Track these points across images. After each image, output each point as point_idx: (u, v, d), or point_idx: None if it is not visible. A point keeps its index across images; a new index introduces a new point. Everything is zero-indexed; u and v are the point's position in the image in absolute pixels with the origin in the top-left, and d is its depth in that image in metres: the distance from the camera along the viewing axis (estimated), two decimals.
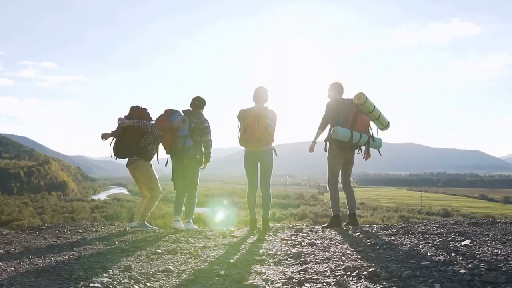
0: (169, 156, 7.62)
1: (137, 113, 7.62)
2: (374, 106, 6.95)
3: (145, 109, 7.70)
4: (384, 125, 7.22)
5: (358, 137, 6.84)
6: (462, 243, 4.56)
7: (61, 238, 6.67)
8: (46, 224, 8.45)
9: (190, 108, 7.61)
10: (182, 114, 7.44)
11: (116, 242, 5.98)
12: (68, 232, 7.32)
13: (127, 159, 7.68)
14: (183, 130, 7.25)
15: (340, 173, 7.32)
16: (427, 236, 5.28)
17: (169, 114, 7.37)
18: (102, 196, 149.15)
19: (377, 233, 5.84)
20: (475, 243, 4.58)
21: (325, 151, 7.24)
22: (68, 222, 8.69)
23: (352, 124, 6.84)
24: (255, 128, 6.84)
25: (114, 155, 7.67)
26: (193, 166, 7.48)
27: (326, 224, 7.25)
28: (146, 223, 7.72)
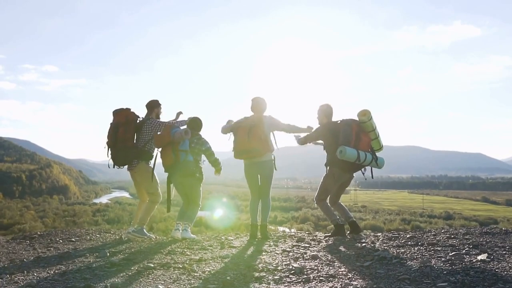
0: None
1: (123, 115, 7.34)
2: (376, 127, 6.68)
3: (129, 109, 7.42)
4: (379, 146, 6.89)
5: (364, 156, 6.47)
6: (479, 258, 4.21)
7: (51, 249, 6.37)
8: (38, 232, 8.15)
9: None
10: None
11: (108, 254, 5.64)
12: (60, 241, 7.03)
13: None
14: (184, 145, 7.00)
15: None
16: (439, 248, 4.92)
17: (170, 128, 7.14)
18: (103, 199, 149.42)
19: (384, 244, 5.49)
20: (492, 257, 4.23)
21: (327, 170, 6.91)
22: (61, 230, 8.37)
23: (355, 143, 6.47)
24: (244, 139, 6.65)
25: (115, 165, 7.39)
26: (195, 184, 7.24)
27: (329, 234, 6.91)
28: (144, 229, 7.39)
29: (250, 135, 6.59)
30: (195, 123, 7.42)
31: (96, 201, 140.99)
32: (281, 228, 68.12)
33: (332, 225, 6.85)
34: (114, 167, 7.46)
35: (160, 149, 7.26)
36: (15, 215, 79.93)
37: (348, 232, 6.82)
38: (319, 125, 7.00)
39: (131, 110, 7.42)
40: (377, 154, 6.90)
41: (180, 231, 7.12)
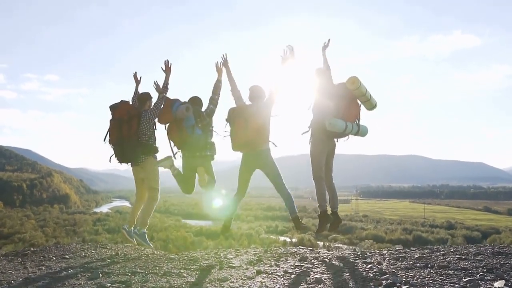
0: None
1: (125, 110, 7.09)
2: (366, 89, 6.55)
3: (128, 102, 7.30)
4: (373, 105, 6.82)
5: (350, 127, 6.55)
6: (495, 285, 3.91)
7: (43, 267, 6.08)
8: (32, 248, 7.87)
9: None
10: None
11: (100, 275, 5.35)
12: (54, 258, 6.74)
13: None
14: (189, 120, 6.85)
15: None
16: (450, 272, 4.61)
17: (170, 104, 6.94)
18: (104, 208, 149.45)
19: (391, 266, 5.20)
20: (510, 284, 3.93)
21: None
22: (56, 246, 8.10)
23: (345, 115, 6.53)
24: (242, 132, 6.43)
25: (121, 162, 7.19)
26: (205, 163, 7.15)
27: (317, 228, 6.89)
28: (146, 235, 7.19)
29: (248, 127, 6.38)
30: (195, 101, 7.23)
31: (97, 210, 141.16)
32: (282, 238, 67.90)
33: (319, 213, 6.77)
34: (122, 163, 7.26)
35: (167, 127, 7.14)
36: (16, 224, 79.91)
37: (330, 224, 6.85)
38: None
39: (131, 104, 7.25)
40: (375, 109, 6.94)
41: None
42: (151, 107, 7.18)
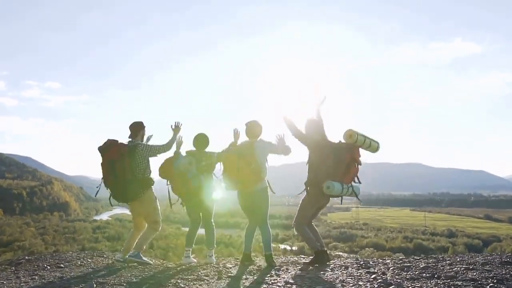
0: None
1: (115, 151, 6.88)
2: (365, 137, 6.35)
3: (116, 141, 7.01)
4: (375, 148, 6.62)
5: (346, 190, 6.36)
6: None
7: (36, 277, 5.90)
8: (26, 257, 7.69)
9: (194, 148, 7.12)
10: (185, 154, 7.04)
11: (95, 285, 5.16)
12: (48, 267, 6.57)
13: None
14: (192, 172, 6.76)
15: None
16: (458, 283, 4.41)
17: (173, 160, 6.92)
18: (104, 216, 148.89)
19: (396, 276, 5.01)
20: None
21: (306, 192, 6.66)
22: (51, 254, 7.94)
23: (342, 176, 6.31)
24: (234, 170, 6.40)
25: (121, 202, 7.07)
26: (210, 206, 7.13)
27: (309, 260, 6.53)
28: (141, 254, 6.93)
29: (240, 165, 6.31)
30: (199, 142, 7.11)
31: (97, 218, 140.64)
32: (282, 246, 67.52)
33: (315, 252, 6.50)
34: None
35: (169, 182, 7.07)
36: (15, 232, 79.57)
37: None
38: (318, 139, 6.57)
39: (119, 142, 6.98)
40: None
41: (190, 257, 7.01)
42: (156, 145, 7.06)
